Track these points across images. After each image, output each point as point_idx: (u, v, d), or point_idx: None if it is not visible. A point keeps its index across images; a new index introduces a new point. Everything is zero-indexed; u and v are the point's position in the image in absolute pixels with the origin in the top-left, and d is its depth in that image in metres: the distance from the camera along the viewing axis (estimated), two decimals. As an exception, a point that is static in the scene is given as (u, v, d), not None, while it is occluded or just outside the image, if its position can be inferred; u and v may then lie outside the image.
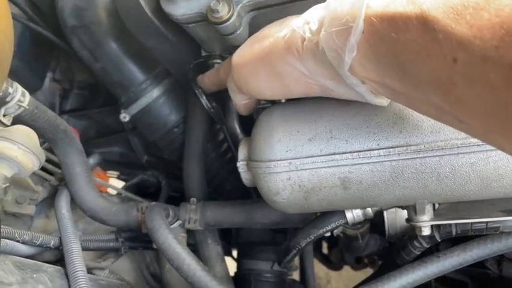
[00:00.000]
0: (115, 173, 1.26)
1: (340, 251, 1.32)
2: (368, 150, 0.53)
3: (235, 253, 1.16)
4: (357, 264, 1.49)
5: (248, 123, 0.78)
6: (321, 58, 0.46)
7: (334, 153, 0.55)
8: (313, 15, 0.47)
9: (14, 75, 0.63)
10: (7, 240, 0.64)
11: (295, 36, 0.49)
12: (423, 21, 0.33)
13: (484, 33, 0.29)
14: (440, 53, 0.32)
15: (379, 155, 0.53)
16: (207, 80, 0.73)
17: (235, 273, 1.05)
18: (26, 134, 0.56)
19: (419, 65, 0.35)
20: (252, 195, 0.97)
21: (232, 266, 0.98)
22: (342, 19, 0.41)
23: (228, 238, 1.11)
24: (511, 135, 0.31)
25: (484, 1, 0.30)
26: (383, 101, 0.51)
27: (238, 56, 0.58)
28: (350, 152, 0.54)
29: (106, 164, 1.21)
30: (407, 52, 0.36)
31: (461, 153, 0.51)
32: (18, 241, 0.66)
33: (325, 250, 1.57)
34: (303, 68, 0.49)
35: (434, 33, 0.33)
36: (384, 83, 0.42)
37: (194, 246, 0.87)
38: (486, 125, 0.33)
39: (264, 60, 0.54)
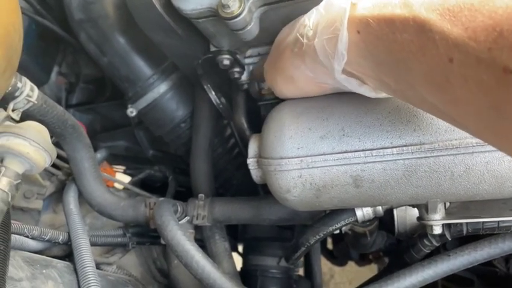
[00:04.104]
0: (121, 168, 1.26)
1: (345, 246, 1.32)
2: (381, 148, 0.53)
3: (240, 248, 1.16)
4: (362, 260, 1.49)
5: (256, 119, 0.78)
6: (321, 61, 0.47)
7: (346, 151, 0.54)
8: (310, 18, 0.48)
9: (21, 69, 0.62)
10: (16, 236, 0.64)
11: (297, 41, 0.50)
12: (420, 23, 0.34)
13: (478, 35, 0.30)
14: (436, 53, 0.33)
15: (392, 153, 0.53)
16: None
17: (242, 268, 1.05)
18: (38, 130, 0.55)
19: (415, 64, 0.36)
20: (259, 190, 0.97)
21: (237, 262, 0.98)
22: (331, 27, 0.43)
23: (234, 233, 1.11)
24: (503, 136, 0.31)
25: (478, 3, 0.30)
26: (388, 95, 0.51)
27: (266, 63, 0.61)
28: (363, 150, 0.54)
29: (112, 159, 1.20)
30: (404, 52, 0.36)
31: (475, 152, 0.50)
32: (27, 236, 0.66)
33: (330, 245, 1.58)
34: (308, 70, 0.51)
35: (431, 34, 0.33)
36: (381, 80, 0.43)
37: (201, 242, 0.87)
38: (479, 125, 0.34)
39: (277, 66, 0.56)
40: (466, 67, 0.31)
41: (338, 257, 1.51)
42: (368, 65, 0.42)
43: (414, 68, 0.36)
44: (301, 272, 1.28)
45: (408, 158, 0.52)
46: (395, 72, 0.39)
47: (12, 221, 0.61)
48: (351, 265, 1.64)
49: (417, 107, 0.43)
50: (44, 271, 0.60)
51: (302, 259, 1.26)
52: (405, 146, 0.52)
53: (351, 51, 0.42)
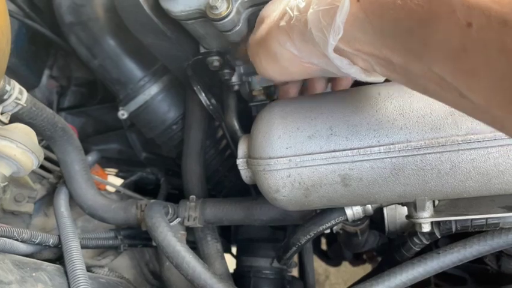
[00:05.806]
0: (114, 170, 1.26)
1: (339, 247, 1.32)
2: (368, 147, 0.53)
3: (234, 250, 1.16)
4: (356, 260, 1.49)
5: (247, 120, 0.78)
6: (310, 38, 0.44)
7: (334, 150, 0.55)
8: None
9: (11, 72, 0.62)
10: (6, 239, 0.63)
11: (285, 15, 0.47)
12: None
13: None
14: (453, 17, 0.31)
15: (379, 152, 0.53)
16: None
17: (235, 270, 1.05)
18: (25, 133, 0.55)
19: (426, 31, 0.34)
20: (251, 192, 0.97)
21: (231, 263, 0.98)
22: None
23: (227, 235, 1.11)
24: None
25: None
26: (378, 79, 0.49)
27: (250, 39, 0.58)
28: (350, 149, 0.54)
29: (104, 161, 1.20)
30: (413, 20, 0.34)
31: (461, 149, 0.51)
32: (17, 240, 0.66)
33: (324, 246, 1.58)
34: (293, 48, 0.48)
35: None
36: (381, 56, 0.40)
37: (193, 244, 0.87)
38: (492, 99, 0.32)
39: (261, 42, 0.53)
40: (487, 31, 0.29)
41: (332, 258, 1.51)
42: (367, 39, 0.40)
43: (425, 36, 0.34)
44: (295, 273, 1.28)
45: (395, 157, 0.53)
46: (401, 44, 0.37)
47: (1, 224, 0.60)
48: (346, 266, 1.64)
49: (416, 86, 0.40)
50: (33, 274, 0.59)
51: (296, 260, 1.27)
52: (392, 144, 0.52)
53: (348, 24, 0.40)
